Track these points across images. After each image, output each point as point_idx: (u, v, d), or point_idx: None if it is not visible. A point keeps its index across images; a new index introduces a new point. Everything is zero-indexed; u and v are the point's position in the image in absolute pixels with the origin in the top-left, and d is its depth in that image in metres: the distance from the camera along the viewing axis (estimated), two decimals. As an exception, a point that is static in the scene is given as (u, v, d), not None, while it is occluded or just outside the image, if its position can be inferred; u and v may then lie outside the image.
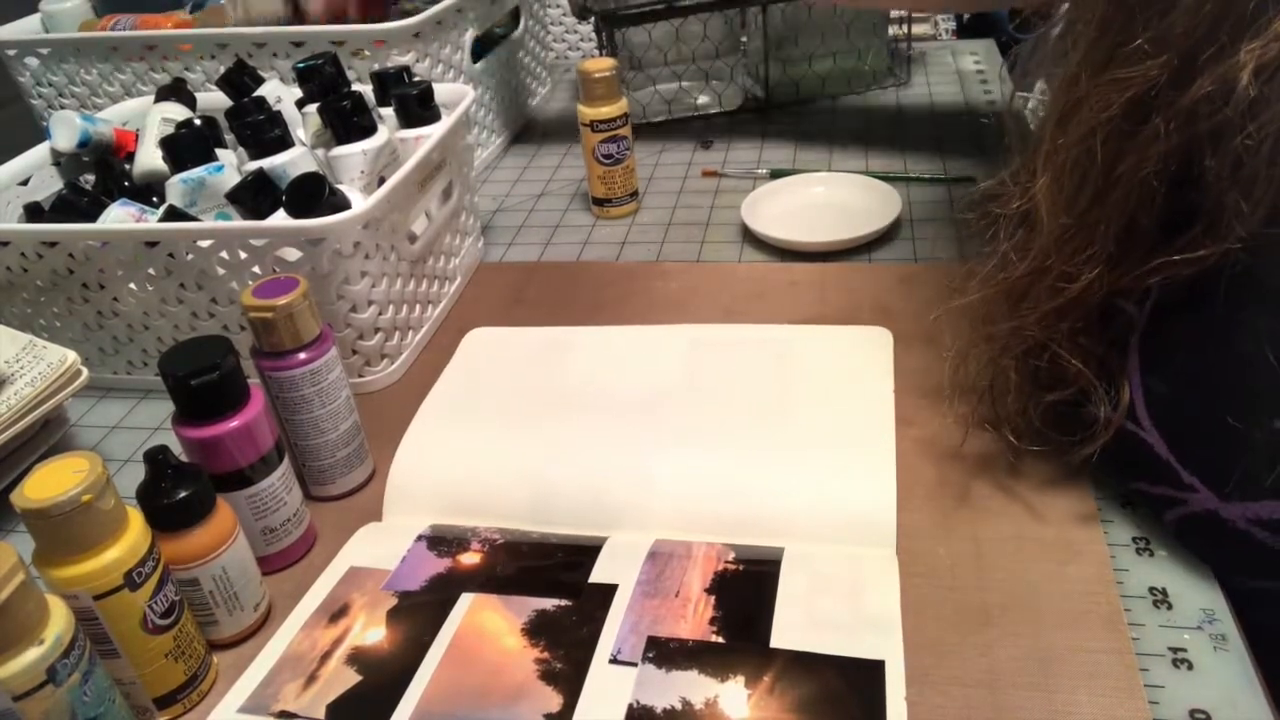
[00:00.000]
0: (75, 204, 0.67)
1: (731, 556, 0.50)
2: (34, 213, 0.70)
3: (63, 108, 0.98)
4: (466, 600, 0.49)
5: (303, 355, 0.53)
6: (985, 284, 0.49)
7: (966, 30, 1.36)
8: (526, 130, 1.11)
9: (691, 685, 0.43)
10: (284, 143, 0.69)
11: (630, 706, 0.42)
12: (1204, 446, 0.44)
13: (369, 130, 0.69)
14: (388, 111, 0.75)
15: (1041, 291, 0.46)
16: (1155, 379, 0.45)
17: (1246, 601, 0.45)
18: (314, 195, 0.61)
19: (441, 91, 0.76)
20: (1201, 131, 0.40)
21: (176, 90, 0.81)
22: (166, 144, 0.69)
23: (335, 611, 0.49)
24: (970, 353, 0.52)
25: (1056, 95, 0.46)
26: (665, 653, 0.45)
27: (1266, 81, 0.38)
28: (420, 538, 0.53)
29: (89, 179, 0.76)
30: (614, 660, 0.45)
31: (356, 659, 0.46)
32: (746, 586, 0.48)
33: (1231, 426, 0.41)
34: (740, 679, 0.43)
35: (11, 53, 1.00)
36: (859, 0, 0.96)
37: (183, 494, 0.45)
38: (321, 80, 0.74)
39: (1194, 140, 0.40)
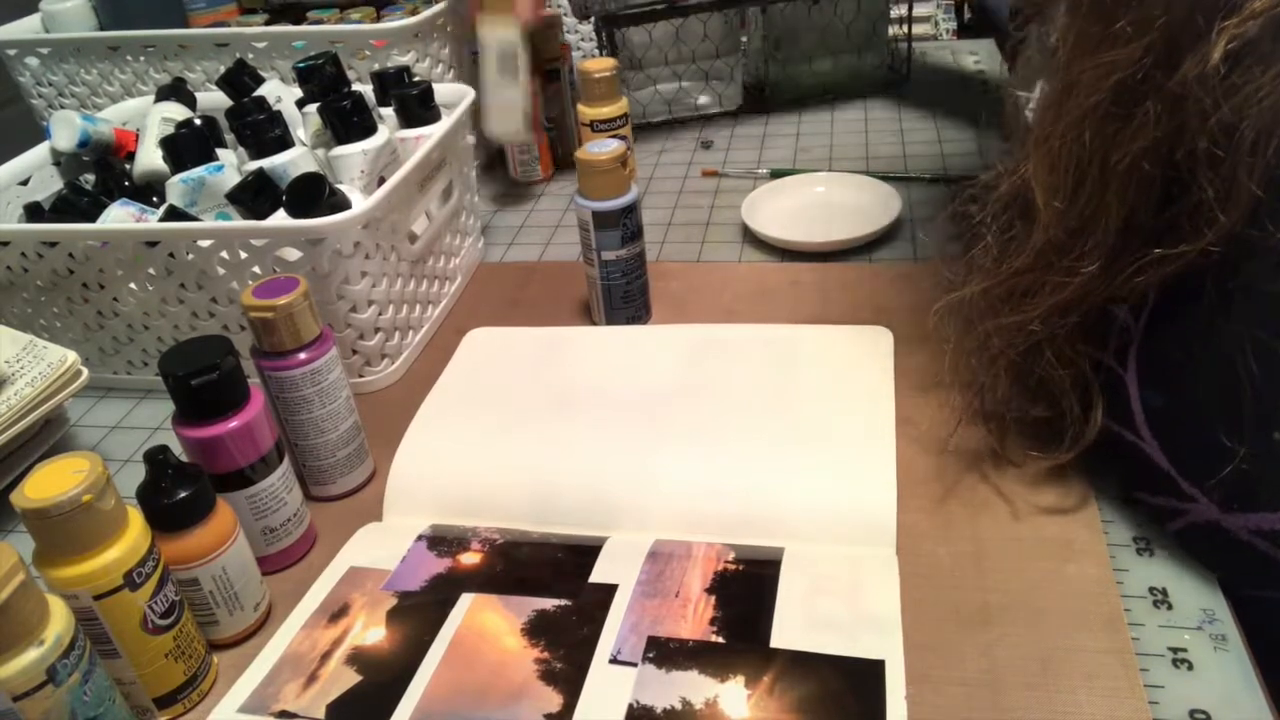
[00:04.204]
0: (75, 204, 0.67)
1: (731, 556, 0.50)
2: (34, 213, 0.70)
3: (63, 108, 0.98)
4: (466, 600, 0.49)
5: (303, 355, 0.53)
6: (986, 276, 0.49)
7: (966, 30, 1.36)
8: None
9: (691, 685, 0.43)
10: (284, 143, 0.69)
11: (630, 706, 0.42)
12: (1202, 458, 0.43)
13: (369, 130, 0.69)
14: (388, 111, 0.75)
15: (1045, 286, 0.46)
16: (1151, 391, 0.45)
17: (1249, 607, 0.45)
18: (314, 195, 0.61)
19: (441, 91, 0.76)
20: (1190, 118, 0.39)
21: (176, 90, 0.81)
22: (166, 144, 0.69)
23: (335, 611, 0.49)
24: (969, 350, 0.52)
25: (1050, 81, 0.45)
26: (665, 653, 0.45)
27: (1240, 63, 0.37)
28: (420, 538, 0.53)
29: (89, 179, 0.76)
30: (614, 660, 0.45)
31: (356, 659, 0.46)
32: (746, 586, 0.48)
33: (1228, 438, 0.41)
34: (740, 679, 0.43)
35: (11, 53, 1.00)
36: None
37: (183, 494, 0.45)
38: (321, 80, 0.74)
39: (1184, 128, 0.40)
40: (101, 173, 0.75)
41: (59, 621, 0.38)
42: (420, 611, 0.49)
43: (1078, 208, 0.44)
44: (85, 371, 0.61)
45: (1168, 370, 0.45)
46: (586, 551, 0.51)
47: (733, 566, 0.49)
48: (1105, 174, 0.42)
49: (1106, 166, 0.42)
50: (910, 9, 1.04)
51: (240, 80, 0.79)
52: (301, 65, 0.75)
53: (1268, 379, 0.40)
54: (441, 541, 0.53)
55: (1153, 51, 0.40)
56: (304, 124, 0.73)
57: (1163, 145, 0.41)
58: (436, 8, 0.89)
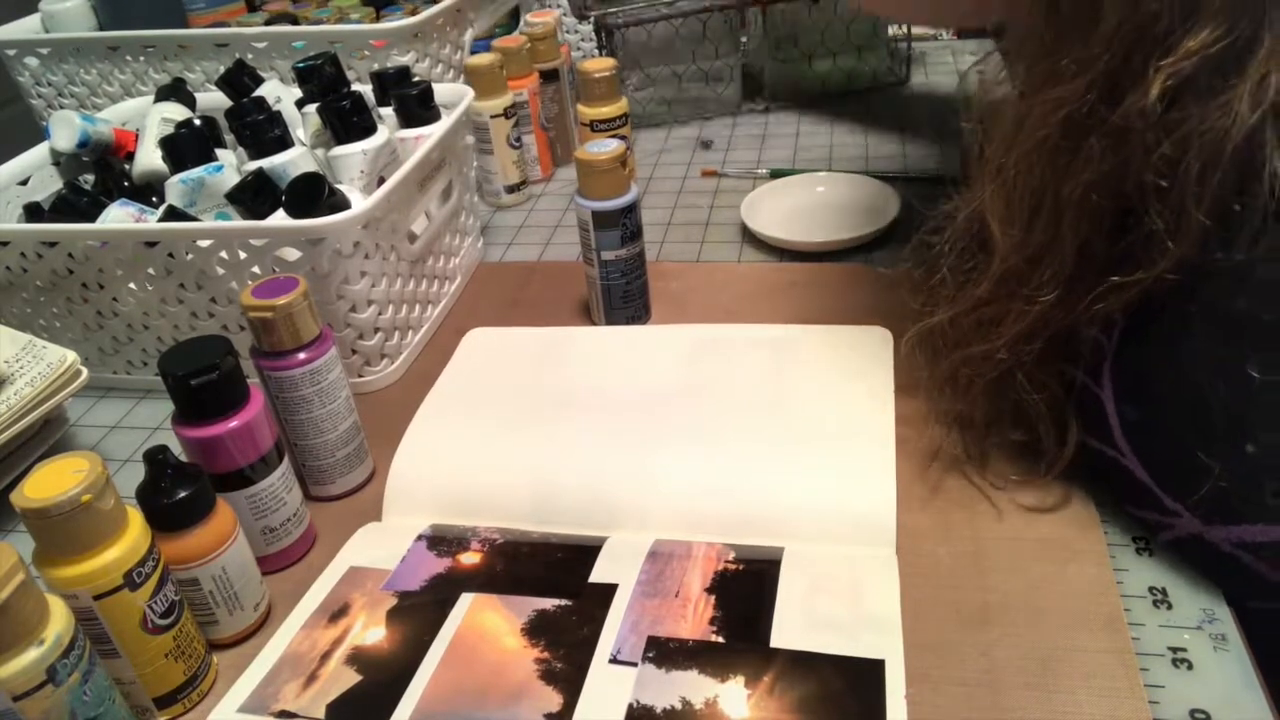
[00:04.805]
0: (75, 204, 0.67)
1: (731, 556, 0.50)
2: (34, 213, 0.70)
3: (62, 108, 0.98)
4: (466, 600, 0.49)
5: (302, 355, 0.53)
6: (952, 305, 0.50)
7: (967, 30, 1.36)
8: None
9: (691, 685, 0.43)
10: (284, 143, 0.69)
11: (630, 706, 0.42)
12: (1180, 472, 0.44)
13: (369, 130, 0.69)
14: (388, 111, 0.75)
15: (1009, 315, 0.47)
16: (1128, 406, 0.45)
17: (1247, 613, 0.45)
18: (314, 195, 0.61)
19: (441, 91, 0.76)
20: (1135, 151, 0.40)
21: (176, 90, 0.81)
22: (166, 144, 0.69)
23: (335, 611, 0.49)
24: (942, 380, 0.52)
25: (1003, 113, 0.47)
26: (665, 653, 0.45)
27: (1180, 99, 0.38)
28: (420, 538, 0.53)
29: (89, 179, 0.76)
30: (614, 660, 0.45)
31: (356, 659, 0.46)
32: (746, 586, 0.48)
33: (1203, 453, 0.41)
34: (740, 679, 0.43)
35: (11, 53, 1.00)
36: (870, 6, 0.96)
37: (183, 494, 0.45)
38: (321, 80, 0.74)
39: (1130, 161, 0.41)
40: (101, 173, 0.75)
41: (59, 621, 0.38)
42: (420, 611, 0.49)
43: (1034, 237, 0.45)
44: (85, 371, 0.61)
45: (1140, 385, 0.45)
46: (586, 551, 0.51)
47: (733, 566, 0.49)
48: (1058, 204, 0.43)
49: (1059, 197, 0.43)
50: (910, 9, 1.04)
51: (240, 80, 0.79)
52: (301, 65, 0.75)
53: (1235, 395, 0.40)
54: (441, 541, 0.53)
55: (1095, 88, 0.41)
56: (304, 124, 0.73)
57: (1111, 178, 0.42)
58: (436, 8, 0.89)
